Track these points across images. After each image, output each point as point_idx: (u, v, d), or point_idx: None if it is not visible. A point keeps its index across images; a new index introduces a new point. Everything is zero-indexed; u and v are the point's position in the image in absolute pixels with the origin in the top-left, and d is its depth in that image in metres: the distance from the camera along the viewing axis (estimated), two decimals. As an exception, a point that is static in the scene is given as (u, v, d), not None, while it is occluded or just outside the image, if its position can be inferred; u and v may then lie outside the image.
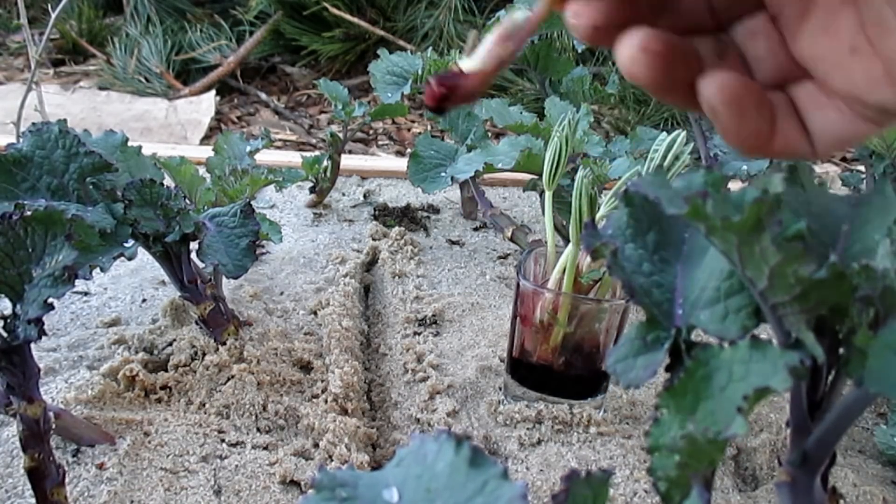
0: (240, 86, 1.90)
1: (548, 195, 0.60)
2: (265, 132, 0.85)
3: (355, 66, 1.93)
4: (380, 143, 1.53)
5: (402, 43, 1.86)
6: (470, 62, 0.27)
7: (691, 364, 0.28)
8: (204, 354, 0.64)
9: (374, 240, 0.91)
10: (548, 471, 0.55)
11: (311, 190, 1.04)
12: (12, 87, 1.78)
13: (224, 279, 0.68)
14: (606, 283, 0.59)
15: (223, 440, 0.57)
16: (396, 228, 0.93)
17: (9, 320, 0.43)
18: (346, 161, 1.10)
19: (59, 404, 0.57)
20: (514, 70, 1.46)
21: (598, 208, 0.57)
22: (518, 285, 0.59)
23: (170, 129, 1.59)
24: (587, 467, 0.53)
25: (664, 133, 0.59)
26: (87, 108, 1.68)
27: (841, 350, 0.28)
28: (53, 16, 1.06)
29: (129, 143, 0.65)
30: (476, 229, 0.98)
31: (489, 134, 0.89)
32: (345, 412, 0.59)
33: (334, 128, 1.16)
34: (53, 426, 0.48)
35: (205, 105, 1.72)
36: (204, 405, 0.60)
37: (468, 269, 0.86)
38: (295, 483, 0.53)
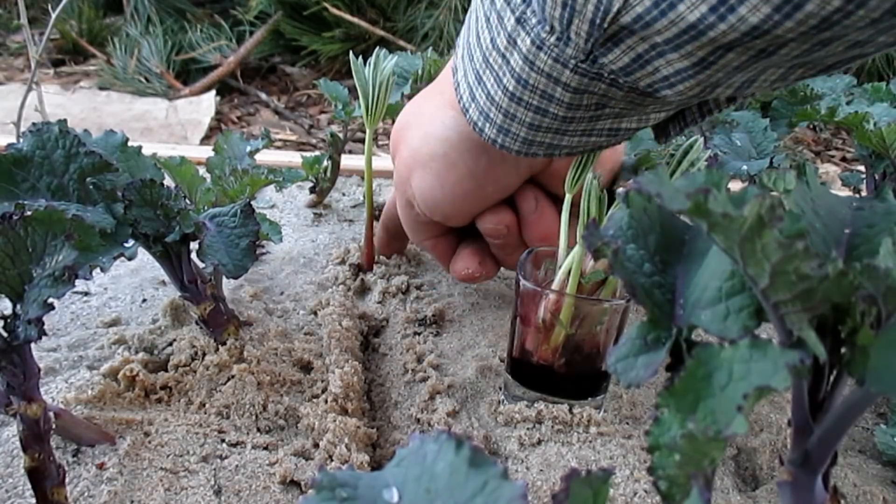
0: (240, 86, 1.90)
1: (567, 198, 0.59)
2: (265, 132, 0.85)
3: (355, 66, 1.94)
4: (380, 143, 1.53)
5: (402, 43, 1.86)
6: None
7: (692, 363, 0.28)
8: (204, 354, 0.64)
9: (374, 240, 0.91)
10: (548, 471, 0.54)
11: (311, 190, 1.04)
12: (12, 87, 1.78)
13: (224, 279, 0.68)
14: (610, 285, 0.59)
15: (223, 440, 0.57)
16: (396, 228, 0.93)
17: (9, 320, 0.43)
18: (346, 161, 1.10)
19: (59, 404, 0.57)
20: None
21: (607, 210, 0.57)
22: (518, 285, 0.59)
23: (170, 129, 1.59)
24: (587, 467, 0.53)
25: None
26: (87, 108, 1.68)
27: (843, 349, 0.28)
28: (53, 16, 1.06)
29: (129, 143, 0.65)
30: (476, 229, 0.98)
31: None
32: (345, 412, 0.59)
33: (334, 128, 1.16)
34: (53, 426, 0.48)
35: (205, 105, 1.72)
36: (204, 405, 0.60)
37: (468, 269, 0.86)
38: (295, 483, 0.53)
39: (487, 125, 0.50)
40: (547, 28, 0.42)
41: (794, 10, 0.34)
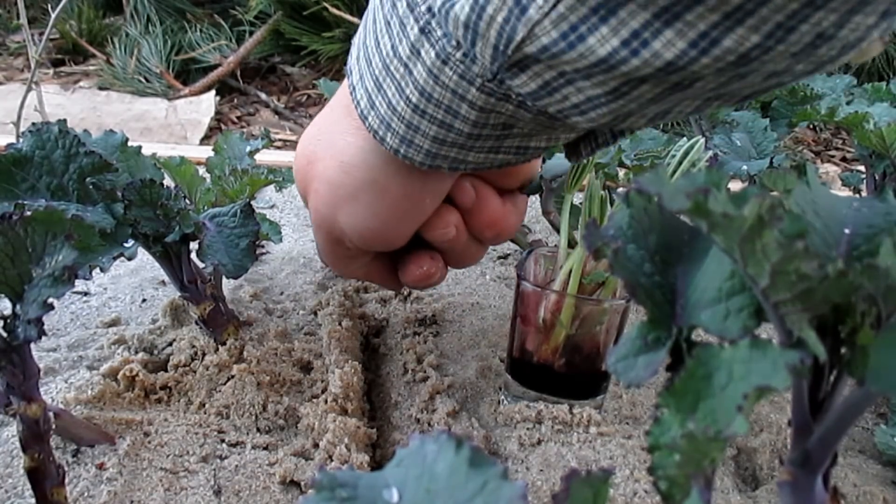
0: (240, 86, 1.90)
1: (567, 198, 0.59)
2: (265, 132, 0.85)
3: (355, 66, 1.95)
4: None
5: (401, 43, 1.85)
6: None
7: (692, 363, 0.28)
8: (204, 354, 0.64)
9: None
10: (548, 471, 0.54)
11: (311, 190, 1.04)
12: (12, 87, 1.78)
13: (224, 279, 0.68)
14: (610, 285, 0.59)
15: (223, 440, 0.57)
16: (396, 228, 0.92)
17: (9, 320, 0.43)
18: (346, 161, 1.10)
19: (59, 404, 0.57)
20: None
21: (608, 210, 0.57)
22: (518, 285, 0.59)
23: (170, 129, 1.59)
24: (587, 467, 0.53)
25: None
26: (87, 108, 1.68)
27: (843, 349, 0.28)
28: (53, 16, 1.06)
29: (129, 143, 0.65)
30: (476, 229, 0.98)
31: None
32: (345, 412, 0.59)
33: (334, 128, 1.16)
34: (53, 426, 0.48)
35: (205, 105, 1.73)
36: (204, 405, 0.60)
37: (468, 269, 0.86)
38: (295, 483, 0.53)
39: (389, 135, 0.47)
40: (453, 43, 0.40)
41: (711, 46, 0.33)
